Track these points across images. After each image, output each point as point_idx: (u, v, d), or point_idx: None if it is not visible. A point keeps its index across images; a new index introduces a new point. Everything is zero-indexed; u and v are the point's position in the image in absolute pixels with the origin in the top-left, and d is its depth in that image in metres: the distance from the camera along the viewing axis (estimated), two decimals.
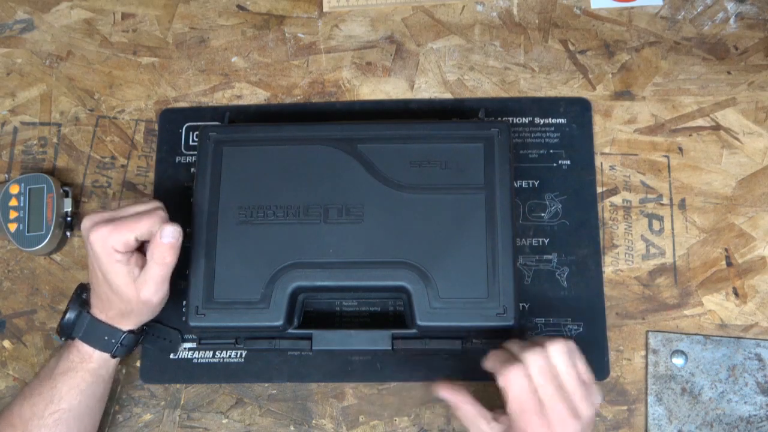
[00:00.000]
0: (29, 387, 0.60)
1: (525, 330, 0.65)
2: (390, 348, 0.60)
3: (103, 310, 0.60)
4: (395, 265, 0.60)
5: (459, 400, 0.57)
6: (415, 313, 0.59)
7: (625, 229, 0.68)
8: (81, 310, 0.61)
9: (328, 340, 0.61)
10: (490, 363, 0.56)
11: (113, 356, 0.60)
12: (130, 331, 0.61)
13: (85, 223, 0.58)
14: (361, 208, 0.62)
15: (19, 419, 0.58)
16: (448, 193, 0.62)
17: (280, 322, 0.59)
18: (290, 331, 0.61)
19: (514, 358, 0.54)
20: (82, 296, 0.62)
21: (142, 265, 0.58)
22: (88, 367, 0.60)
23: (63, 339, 0.62)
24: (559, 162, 0.70)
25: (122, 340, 0.60)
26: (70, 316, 0.61)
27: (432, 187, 0.62)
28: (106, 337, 0.60)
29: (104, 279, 0.58)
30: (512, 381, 0.53)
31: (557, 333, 0.65)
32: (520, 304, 0.65)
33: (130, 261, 0.57)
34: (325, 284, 0.60)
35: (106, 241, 0.56)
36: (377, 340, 0.61)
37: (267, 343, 0.62)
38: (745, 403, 0.64)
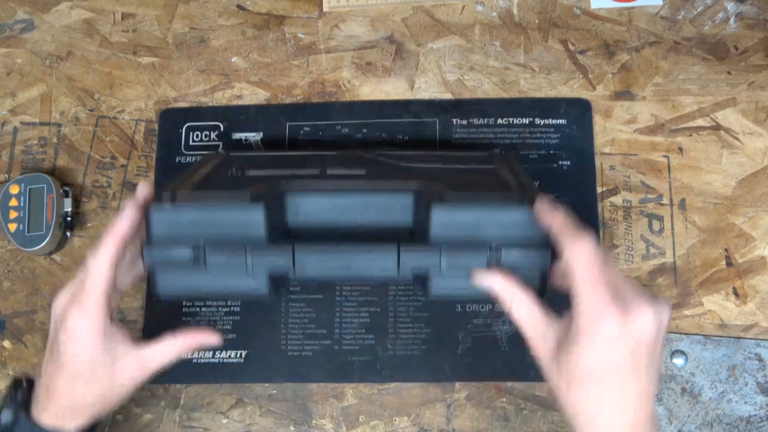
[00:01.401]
0: None
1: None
2: (396, 267, 0.49)
3: (48, 406, 0.50)
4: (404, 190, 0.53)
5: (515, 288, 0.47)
6: (431, 217, 0.48)
7: (625, 229, 0.68)
8: (18, 412, 0.51)
9: (314, 257, 0.50)
10: (555, 224, 0.46)
11: None
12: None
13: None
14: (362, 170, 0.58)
15: None
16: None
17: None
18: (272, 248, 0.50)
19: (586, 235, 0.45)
20: (17, 396, 0.52)
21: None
22: None
23: None
24: (560, 162, 0.70)
25: None
26: (5, 419, 0.51)
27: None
28: None
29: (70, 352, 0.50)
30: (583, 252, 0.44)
31: None
32: None
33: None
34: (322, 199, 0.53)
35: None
36: (378, 259, 0.50)
37: (236, 258, 0.49)
38: (745, 403, 0.64)
